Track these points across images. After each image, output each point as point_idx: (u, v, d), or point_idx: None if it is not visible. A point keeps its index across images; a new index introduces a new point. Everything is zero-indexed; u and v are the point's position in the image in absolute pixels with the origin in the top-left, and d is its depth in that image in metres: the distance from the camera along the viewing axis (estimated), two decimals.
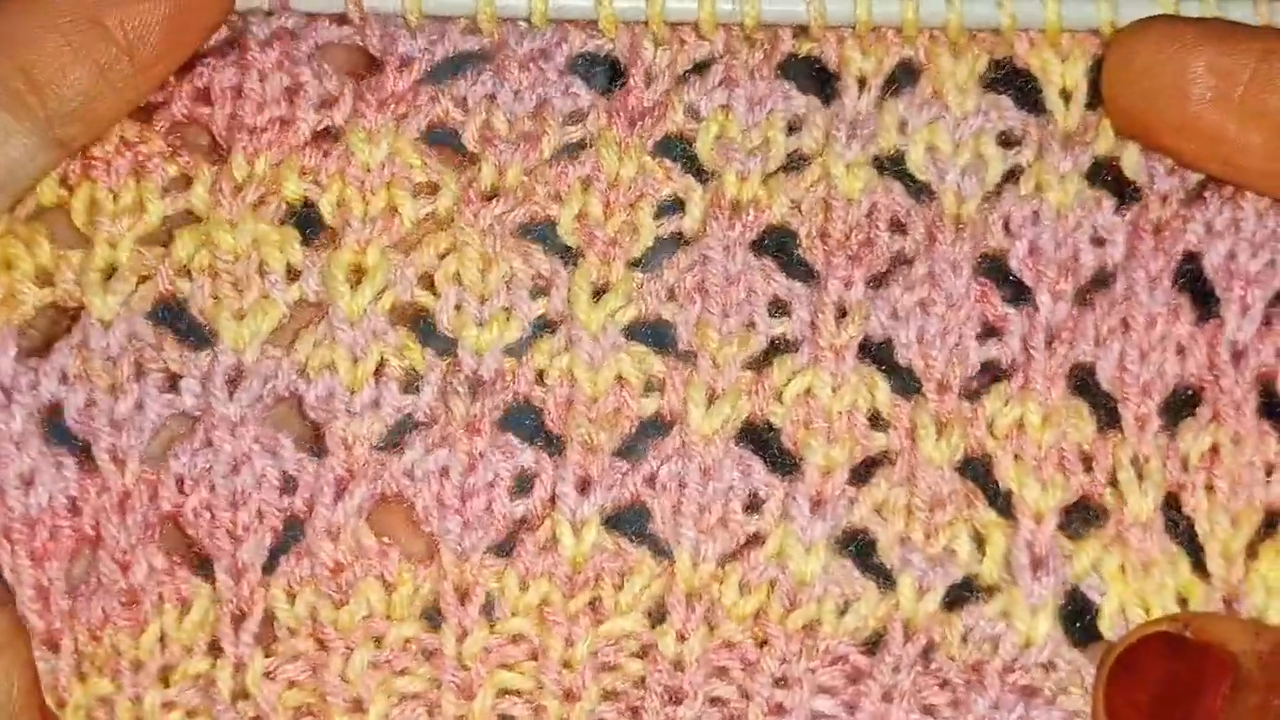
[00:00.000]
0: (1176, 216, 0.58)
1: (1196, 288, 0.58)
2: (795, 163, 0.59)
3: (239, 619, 0.58)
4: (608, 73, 0.59)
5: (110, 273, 0.58)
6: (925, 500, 0.58)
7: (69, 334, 0.59)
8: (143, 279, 0.58)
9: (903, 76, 0.59)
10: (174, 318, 0.59)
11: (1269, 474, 0.58)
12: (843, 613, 0.58)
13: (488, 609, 0.59)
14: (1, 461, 0.57)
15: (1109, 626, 0.57)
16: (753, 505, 0.58)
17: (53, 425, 0.59)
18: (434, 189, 0.59)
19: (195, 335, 0.59)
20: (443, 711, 0.58)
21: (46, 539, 0.57)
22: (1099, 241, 0.58)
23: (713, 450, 0.58)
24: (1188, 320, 0.58)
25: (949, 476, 0.58)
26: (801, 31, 0.58)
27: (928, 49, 0.58)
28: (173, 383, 0.59)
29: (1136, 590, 0.57)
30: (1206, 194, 0.58)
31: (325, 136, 0.58)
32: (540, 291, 0.59)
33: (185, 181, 0.59)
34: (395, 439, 0.59)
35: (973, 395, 0.58)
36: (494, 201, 0.58)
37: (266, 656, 0.59)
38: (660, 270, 0.58)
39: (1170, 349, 0.58)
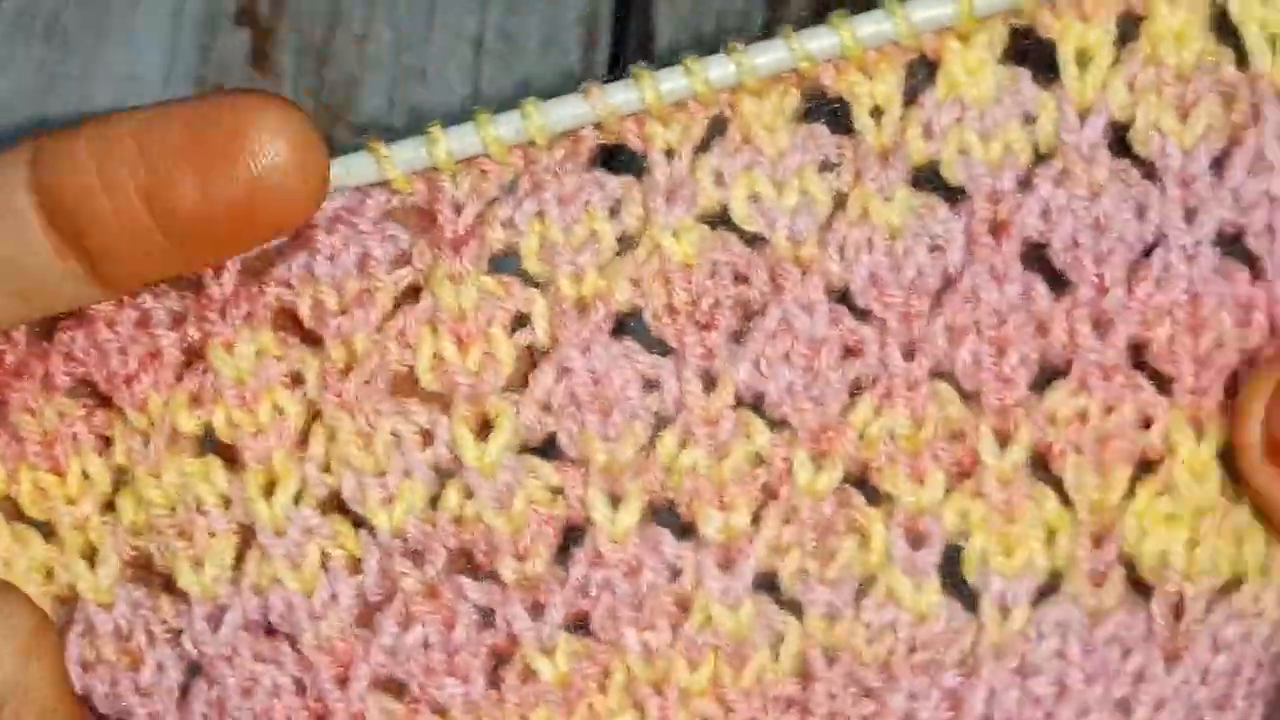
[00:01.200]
0: (1011, 209, 0.57)
1: (1047, 266, 0.58)
2: (626, 245, 0.58)
3: None
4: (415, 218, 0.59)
5: (90, 553, 0.58)
6: (813, 531, 0.58)
7: (73, 625, 0.58)
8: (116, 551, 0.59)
9: (711, 131, 0.58)
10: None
11: (1146, 426, 0.58)
12: (777, 655, 0.59)
13: None
14: None
15: (971, 571, 0.58)
16: (674, 578, 0.58)
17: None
18: (300, 378, 0.58)
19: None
20: None
21: None
22: (936, 249, 0.58)
23: (629, 549, 0.58)
24: (1043, 300, 0.58)
25: (830, 502, 0.58)
26: (596, 126, 0.57)
27: (730, 100, 0.57)
28: (177, 637, 0.58)
29: (1000, 533, 0.58)
30: (1036, 180, 0.57)
31: (196, 355, 0.58)
32: (426, 443, 0.58)
33: (104, 441, 0.58)
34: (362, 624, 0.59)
35: (844, 410, 0.59)
36: (351, 376, 0.58)
37: None
38: (530, 389, 0.58)
39: (1028, 335, 0.57)
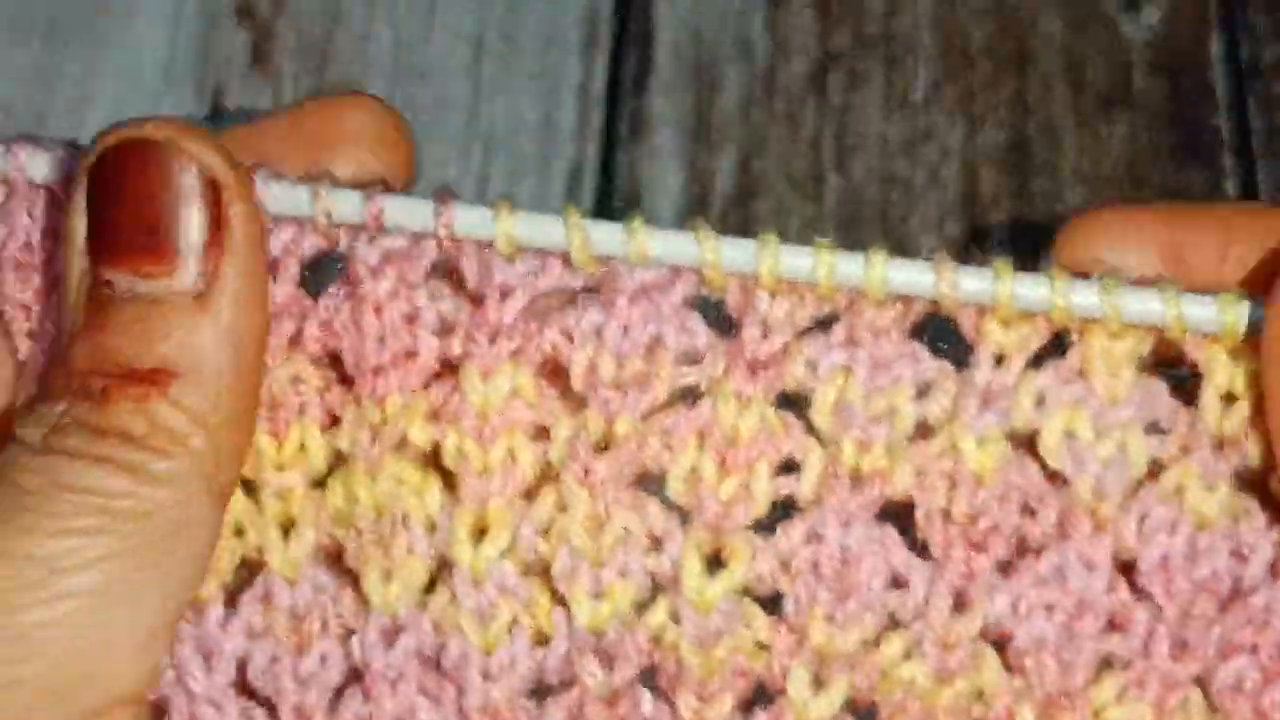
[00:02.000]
0: None
1: None
2: (922, 431, 0.54)
3: None
4: (720, 315, 0.55)
5: (287, 524, 0.56)
6: None
7: (252, 587, 0.55)
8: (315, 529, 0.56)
9: (1054, 349, 0.54)
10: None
11: None
12: None
13: None
14: None
15: None
16: None
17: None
18: (546, 433, 0.55)
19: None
20: None
21: None
22: (1239, 556, 0.54)
23: None
24: None
25: None
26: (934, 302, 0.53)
27: (1081, 327, 0.54)
28: (348, 637, 0.55)
29: None
30: None
31: (450, 369, 0.54)
32: (653, 548, 0.55)
33: (332, 418, 0.55)
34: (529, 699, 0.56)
35: (1085, 685, 0.55)
36: (603, 456, 0.54)
37: None
38: (776, 539, 0.54)
39: None
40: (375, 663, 0.55)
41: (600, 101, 0.78)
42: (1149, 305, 0.53)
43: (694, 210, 0.77)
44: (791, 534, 0.54)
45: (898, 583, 0.54)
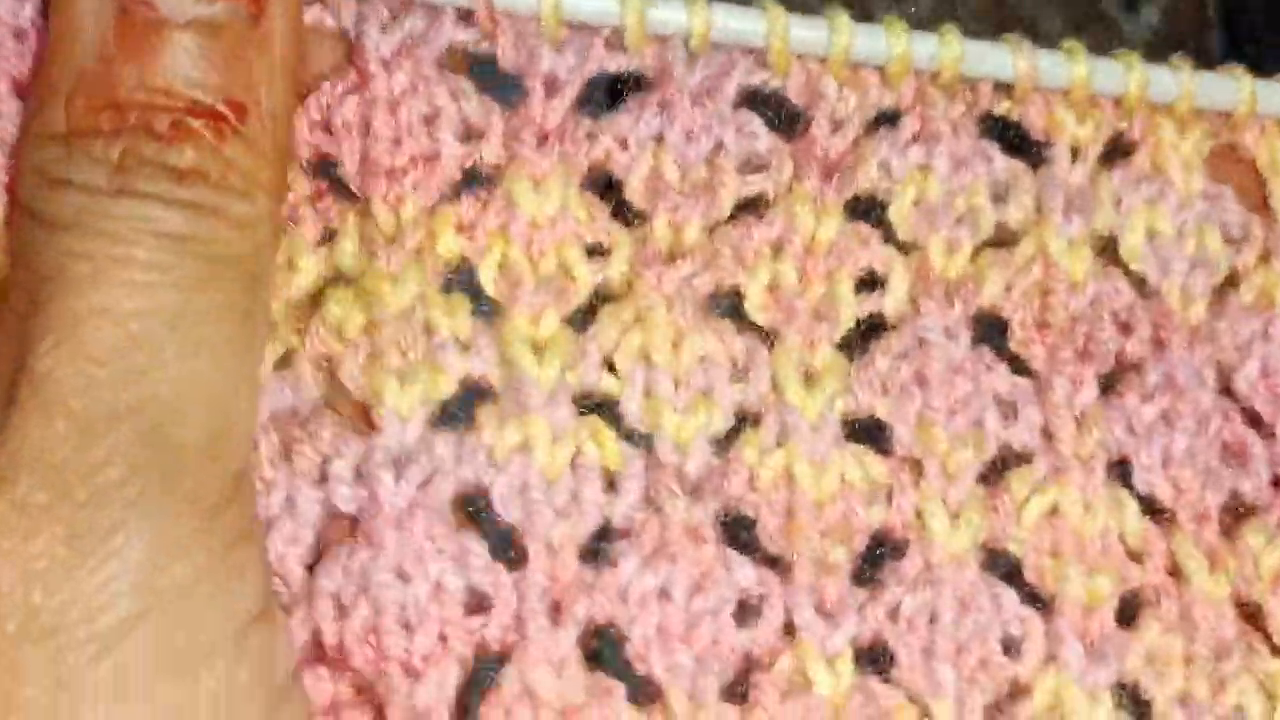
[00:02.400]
0: None
1: None
2: (1002, 236, 0.51)
3: None
4: (778, 112, 0.51)
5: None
6: (1209, 649, 0.49)
7: None
8: (294, 349, 0.48)
9: (1113, 155, 0.52)
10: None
11: None
12: None
13: None
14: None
15: None
16: (1009, 646, 0.49)
17: None
18: (602, 250, 0.49)
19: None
20: None
21: None
22: None
23: (965, 575, 0.48)
24: None
25: (1230, 618, 0.49)
26: (1003, 89, 0.50)
27: (1146, 121, 0.51)
28: (323, 474, 0.47)
29: None
30: None
31: (473, 179, 0.49)
32: (736, 379, 0.49)
33: (328, 233, 0.48)
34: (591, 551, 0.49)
35: (1225, 528, 0.50)
36: (677, 263, 0.49)
37: None
38: (871, 356, 0.50)
39: None
40: (384, 496, 0.46)
41: None
42: (1221, 90, 0.51)
43: None
44: (888, 353, 0.50)
45: (1005, 409, 0.50)
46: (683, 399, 0.49)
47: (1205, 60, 0.83)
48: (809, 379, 0.49)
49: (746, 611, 0.49)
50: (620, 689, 0.48)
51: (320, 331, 0.47)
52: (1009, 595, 0.49)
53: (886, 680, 0.49)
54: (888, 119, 0.50)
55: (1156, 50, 0.84)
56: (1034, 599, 0.50)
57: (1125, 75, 0.50)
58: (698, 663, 0.47)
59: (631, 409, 0.49)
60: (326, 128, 0.48)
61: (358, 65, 0.47)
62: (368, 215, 0.47)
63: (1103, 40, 0.83)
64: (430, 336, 0.47)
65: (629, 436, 0.49)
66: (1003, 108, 0.51)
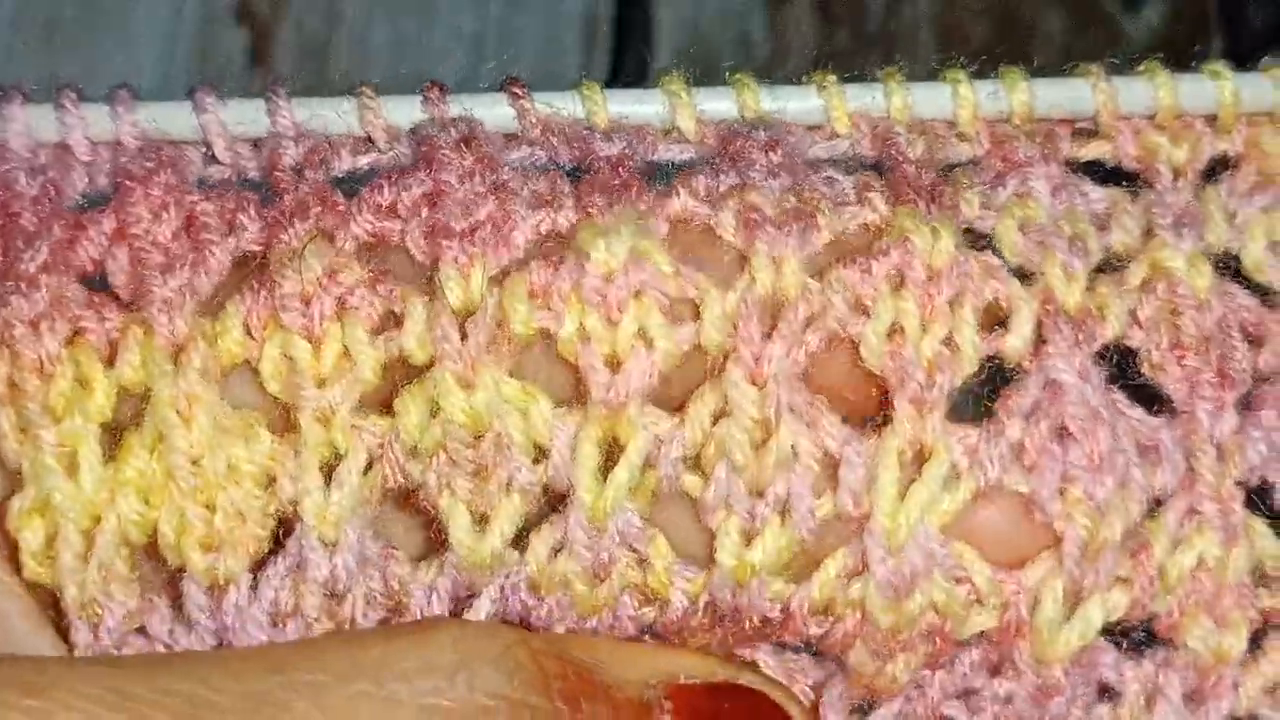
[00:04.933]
0: None
1: None
2: (1111, 266, 0.47)
3: None
4: (858, 165, 0.48)
5: (331, 463, 0.43)
6: None
7: (281, 552, 0.44)
8: (367, 466, 0.44)
9: (1215, 171, 0.49)
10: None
11: None
12: None
13: None
14: None
15: None
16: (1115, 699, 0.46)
17: None
18: (689, 310, 0.44)
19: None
20: None
21: None
22: None
23: (1053, 673, 0.44)
24: None
25: None
26: (1081, 134, 0.47)
27: (1247, 135, 0.48)
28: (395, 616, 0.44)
29: None
30: None
31: (547, 249, 0.45)
32: (825, 471, 0.44)
33: (393, 318, 0.44)
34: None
35: None
36: (774, 334, 0.43)
37: None
38: (998, 419, 0.45)
39: None
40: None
41: None
42: None
43: None
44: (1018, 402, 0.45)
45: (1144, 451, 0.46)
46: (761, 511, 0.44)
47: (1204, 62, 0.83)
48: (907, 470, 0.45)
49: None
50: None
51: (394, 452, 0.44)
52: (1110, 653, 0.46)
53: None
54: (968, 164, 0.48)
55: (1157, 50, 0.84)
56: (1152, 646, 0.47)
57: (1215, 89, 0.48)
58: None
59: (707, 515, 0.45)
60: (392, 211, 0.45)
61: (426, 155, 0.47)
62: (434, 293, 0.44)
63: (1103, 40, 0.83)
64: (507, 456, 0.43)
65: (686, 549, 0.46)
66: (1088, 150, 0.48)
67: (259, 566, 0.44)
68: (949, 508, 0.44)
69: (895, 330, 0.44)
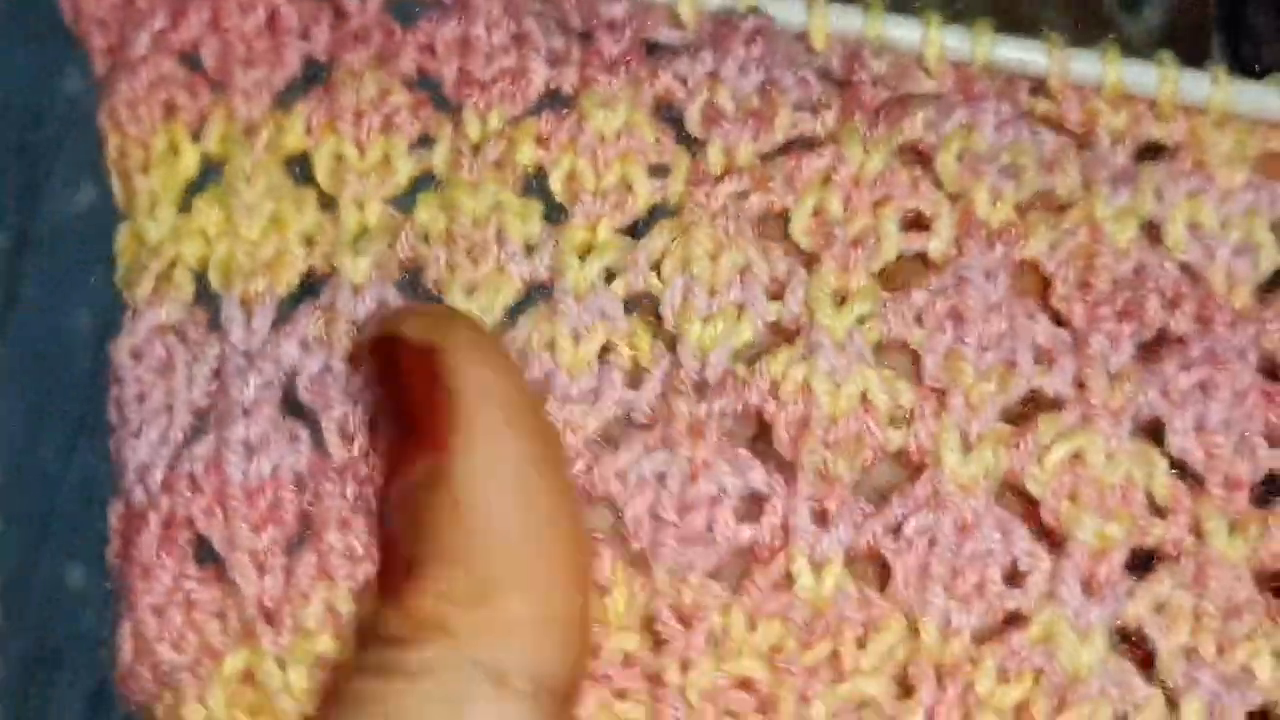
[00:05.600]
0: None
1: None
2: (1049, 201, 0.52)
3: None
4: (828, 76, 0.54)
5: (360, 234, 0.54)
6: (1218, 608, 0.49)
7: (315, 297, 0.54)
8: (389, 244, 0.54)
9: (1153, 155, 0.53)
10: (411, 287, 0.55)
11: None
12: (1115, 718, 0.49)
13: (711, 642, 0.50)
14: (230, 429, 0.52)
15: None
16: (1013, 578, 0.50)
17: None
18: (663, 170, 0.54)
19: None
20: None
21: (265, 510, 0.52)
22: None
23: (971, 504, 0.50)
24: None
25: (1246, 583, 0.50)
26: (1039, 88, 0.53)
27: (1188, 126, 0.53)
28: None
29: None
30: None
31: (554, 100, 0.55)
32: (774, 295, 0.52)
33: (425, 139, 0.55)
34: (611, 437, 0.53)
35: (1260, 503, 0.51)
36: (726, 180, 0.53)
37: None
38: (907, 291, 0.52)
39: None
40: None
41: None
42: (1259, 98, 0.52)
43: None
44: (930, 284, 0.51)
45: (1040, 355, 0.51)
46: (714, 306, 0.52)
47: (1204, 61, 0.83)
48: (841, 301, 0.52)
49: (750, 508, 0.51)
50: (609, 551, 0.52)
51: (411, 237, 0.54)
52: (1020, 530, 0.50)
53: (877, 592, 0.51)
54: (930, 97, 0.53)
55: (1157, 50, 0.84)
56: (1047, 537, 0.51)
57: (1159, 76, 0.52)
58: (681, 541, 0.50)
59: (668, 313, 0.53)
60: (430, 49, 0.54)
61: None
62: (459, 125, 0.54)
63: (1103, 40, 0.83)
64: (502, 244, 0.53)
65: (667, 339, 0.53)
66: (1041, 106, 0.53)
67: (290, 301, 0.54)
68: (870, 337, 0.51)
69: (821, 211, 0.52)
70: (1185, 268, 0.52)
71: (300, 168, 0.55)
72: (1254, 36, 0.83)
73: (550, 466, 0.49)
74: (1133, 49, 0.82)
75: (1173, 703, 0.49)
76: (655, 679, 0.50)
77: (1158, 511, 0.50)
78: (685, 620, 0.50)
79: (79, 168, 0.83)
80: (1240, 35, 0.83)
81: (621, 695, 0.51)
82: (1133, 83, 0.52)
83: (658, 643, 0.51)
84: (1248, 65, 0.81)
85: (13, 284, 0.76)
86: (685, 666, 0.50)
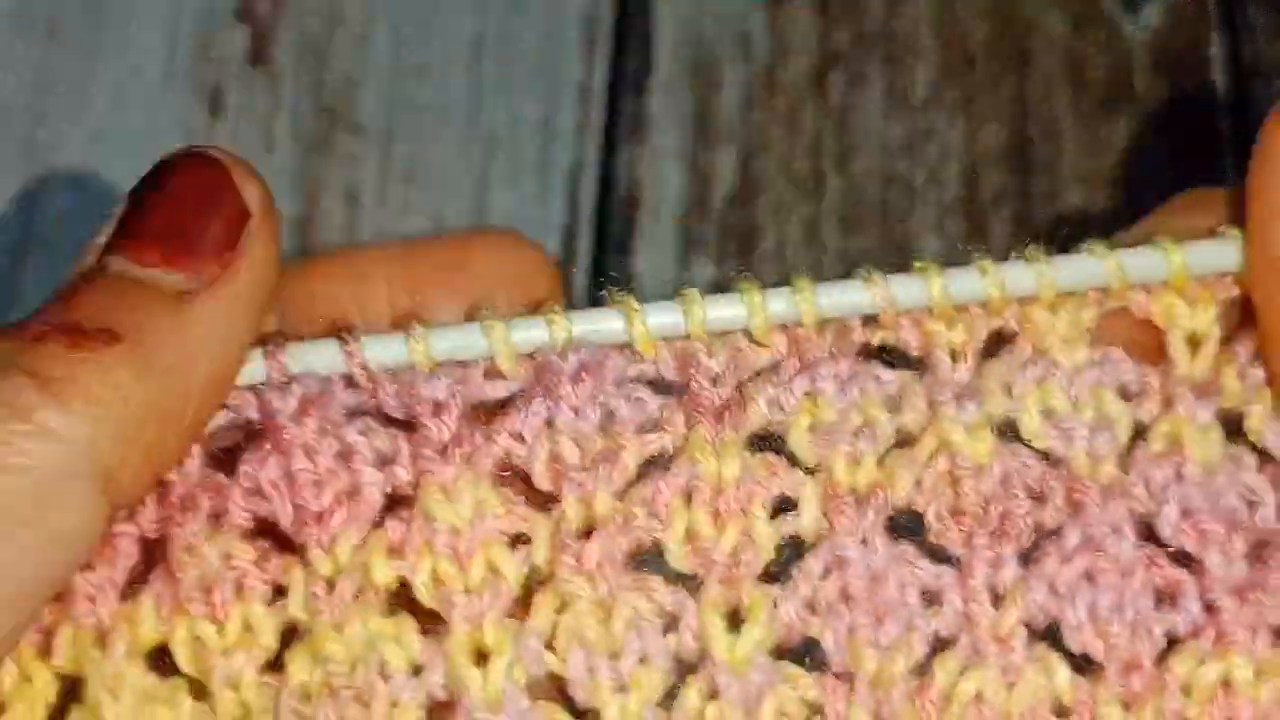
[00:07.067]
0: None
1: None
2: (904, 441, 0.52)
3: None
4: (663, 384, 0.53)
5: (244, 716, 0.51)
6: None
7: None
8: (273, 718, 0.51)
9: (995, 346, 0.54)
10: None
11: None
12: None
13: None
14: None
15: None
16: None
17: None
18: (524, 538, 0.52)
19: None
20: None
21: None
22: (1250, 504, 0.52)
23: None
24: None
25: None
26: (871, 321, 0.53)
27: (1020, 313, 0.53)
28: None
29: None
30: None
31: (398, 503, 0.51)
32: (669, 628, 0.51)
33: (280, 589, 0.51)
34: None
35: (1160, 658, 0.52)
36: (592, 537, 0.51)
37: None
38: (794, 581, 0.51)
39: None
40: None
41: (600, 101, 0.79)
42: (1082, 269, 0.52)
43: (694, 210, 0.77)
44: (809, 571, 0.51)
45: (929, 598, 0.51)
46: (623, 670, 0.51)
47: (1204, 62, 0.84)
48: (733, 621, 0.51)
49: None
50: None
51: (291, 703, 0.51)
52: None
53: None
54: (767, 370, 0.52)
55: (1157, 50, 0.84)
56: None
57: (982, 281, 0.52)
58: None
59: (579, 693, 0.51)
60: (258, 493, 0.51)
61: (270, 430, 0.51)
62: (308, 565, 0.51)
63: (1103, 40, 0.83)
64: (387, 679, 0.51)
65: (582, 715, 0.51)
66: (878, 338, 0.52)
67: None
68: (767, 646, 0.51)
69: (694, 535, 0.51)
70: (1047, 456, 0.52)
71: (161, 658, 0.51)
72: (1254, 36, 0.83)
73: None
74: (1133, 49, 0.82)
75: None
76: None
77: (1062, 715, 0.51)
78: None
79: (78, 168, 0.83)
80: (1240, 35, 0.83)
81: None
82: (956, 294, 0.52)
83: None
84: (1248, 65, 0.81)
85: (13, 284, 0.76)
86: None
